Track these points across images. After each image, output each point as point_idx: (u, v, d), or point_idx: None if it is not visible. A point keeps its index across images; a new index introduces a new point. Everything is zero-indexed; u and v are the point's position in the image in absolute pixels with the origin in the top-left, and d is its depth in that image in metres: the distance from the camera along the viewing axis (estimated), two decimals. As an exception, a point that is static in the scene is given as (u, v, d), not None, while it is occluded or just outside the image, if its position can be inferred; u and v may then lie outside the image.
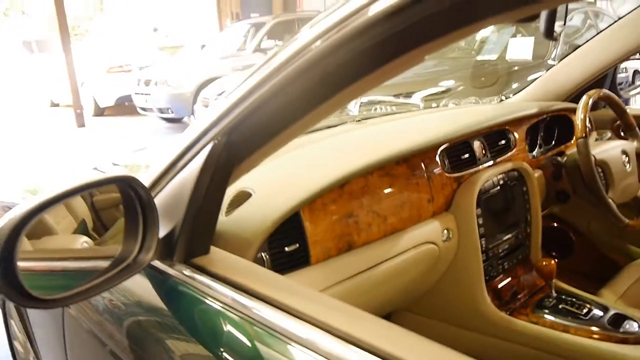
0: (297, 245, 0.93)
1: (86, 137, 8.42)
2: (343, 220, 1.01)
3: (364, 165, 1.03)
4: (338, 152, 1.17)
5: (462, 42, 6.67)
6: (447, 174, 1.22)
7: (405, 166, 1.15)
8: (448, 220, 1.20)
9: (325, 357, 0.53)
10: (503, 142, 1.41)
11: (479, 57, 6.11)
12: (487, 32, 6.60)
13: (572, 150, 1.49)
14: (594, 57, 1.67)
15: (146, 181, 0.76)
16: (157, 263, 0.77)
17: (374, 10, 0.52)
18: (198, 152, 0.73)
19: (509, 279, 1.34)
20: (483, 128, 1.34)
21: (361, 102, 5.70)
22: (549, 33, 1.21)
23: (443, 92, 5.03)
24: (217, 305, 0.67)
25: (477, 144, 1.32)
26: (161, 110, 7.98)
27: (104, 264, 0.71)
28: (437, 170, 1.20)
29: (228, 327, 0.67)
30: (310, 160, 1.12)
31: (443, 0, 0.48)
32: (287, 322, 0.59)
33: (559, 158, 1.51)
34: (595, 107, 1.69)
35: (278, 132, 0.70)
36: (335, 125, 1.47)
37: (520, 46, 5.37)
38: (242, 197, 0.95)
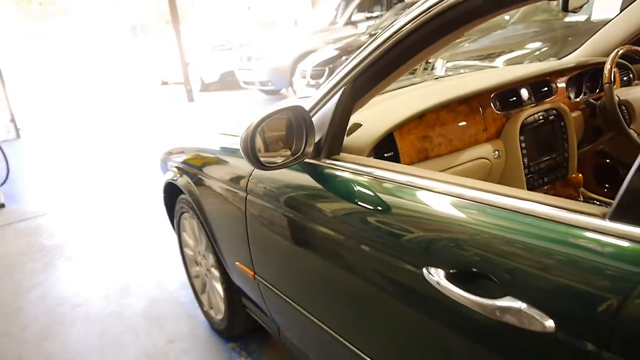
0: (392, 153, 1.49)
1: (197, 110, 9.40)
2: (421, 139, 1.54)
3: (436, 103, 1.55)
4: (419, 97, 1.70)
5: (553, 3, 6.74)
6: (497, 111, 1.71)
7: (465, 105, 1.65)
8: (498, 144, 1.69)
9: (424, 189, 1.01)
10: (545, 89, 1.86)
11: (567, 19, 6.19)
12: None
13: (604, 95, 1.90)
14: (634, 19, 2.04)
15: (307, 107, 1.33)
16: (310, 161, 1.34)
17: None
18: (335, 93, 1.29)
19: (548, 190, 1.81)
20: (528, 78, 1.80)
21: (446, 67, 6.05)
22: (565, 5, 1.63)
23: (527, 54, 5.24)
24: (350, 175, 1.23)
25: (523, 91, 1.78)
26: (262, 84, 8.74)
27: (287, 156, 1.30)
28: (489, 109, 1.69)
29: (357, 187, 1.21)
30: (400, 103, 1.66)
31: None
32: (394, 175, 1.11)
33: (593, 101, 1.93)
34: (636, 61, 2.07)
35: (380, 81, 1.25)
36: (420, 82, 1.99)
37: (607, 6, 5.42)
38: (357, 126, 1.50)
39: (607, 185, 2.25)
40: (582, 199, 1.76)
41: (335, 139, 1.31)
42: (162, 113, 9.38)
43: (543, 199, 0.81)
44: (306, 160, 1.34)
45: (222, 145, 1.96)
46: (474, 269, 0.84)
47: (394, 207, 1.05)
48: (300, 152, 1.30)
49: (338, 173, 1.25)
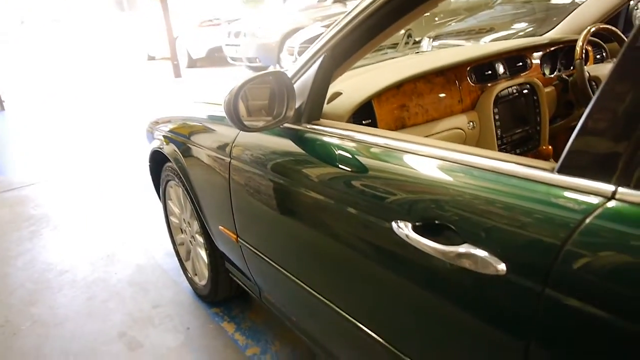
0: (370, 120, 1.55)
1: (184, 85, 9.36)
2: (399, 108, 1.60)
3: (413, 74, 1.61)
4: (398, 69, 1.76)
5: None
6: (472, 84, 1.77)
7: (442, 77, 1.71)
8: (473, 115, 1.76)
9: (398, 150, 1.09)
10: (520, 64, 1.92)
11: (553, 1, 6.25)
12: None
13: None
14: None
15: (289, 74, 1.39)
16: (290, 126, 1.40)
17: None
18: (316, 61, 1.35)
19: None
20: (504, 52, 1.87)
21: (432, 45, 6.07)
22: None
23: (512, 34, 5.30)
24: (329, 139, 1.29)
25: (498, 65, 1.85)
26: (249, 60, 8.73)
27: (269, 119, 1.36)
28: (465, 82, 1.76)
29: (337, 150, 1.26)
30: (379, 74, 1.72)
31: None
32: (373, 138, 1.17)
33: (566, 77, 2.01)
34: (609, 39, 2.14)
35: (358, 49, 1.30)
36: (401, 56, 2.05)
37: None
38: (336, 95, 1.56)
39: None
40: None
41: (315, 104, 1.37)
42: (148, 89, 9.32)
43: (503, 156, 0.88)
44: (287, 125, 1.40)
45: (208, 113, 2.01)
46: (437, 221, 0.91)
47: (370, 169, 1.11)
48: (282, 115, 1.36)
49: (318, 137, 1.31)
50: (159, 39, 11.89)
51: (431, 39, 5.70)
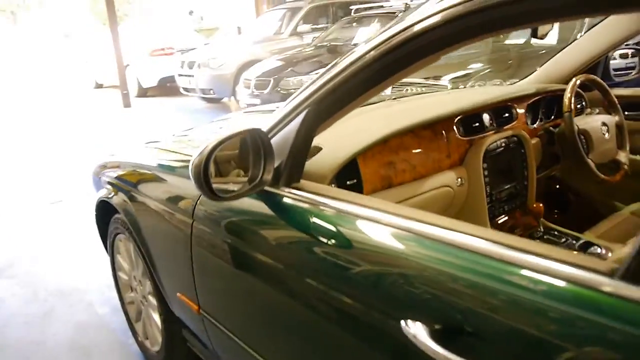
0: (355, 180, 1.38)
1: (134, 116, 9.00)
2: (385, 166, 1.44)
3: (400, 128, 1.46)
4: (381, 120, 1.60)
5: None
6: (461, 137, 1.64)
7: (430, 130, 1.57)
8: (461, 171, 1.62)
9: (387, 225, 0.92)
10: (507, 115, 1.81)
11: (507, 41, 6.38)
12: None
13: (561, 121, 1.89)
14: (586, 48, 2.05)
15: (264, 128, 1.20)
16: (267, 188, 1.21)
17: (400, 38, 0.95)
18: (298, 115, 1.17)
19: (508, 219, 1.76)
20: (491, 104, 1.75)
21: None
22: (535, 32, 1.61)
23: (471, 74, 5.35)
24: (311, 207, 1.11)
25: (485, 116, 1.73)
26: (203, 91, 8.50)
27: (241, 185, 1.17)
28: (453, 135, 1.62)
29: (317, 220, 1.10)
30: (362, 125, 1.56)
31: None
32: (354, 208, 1.02)
33: (552, 128, 1.91)
34: (588, 89, 2.07)
35: (346, 105, 1.14)
36: (378, 102, 1.90)
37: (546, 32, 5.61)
38: (317, 150, 1.38)
39: (556, 212, 2.24)
40: (541, 229, 1.72)
41: (295, 165, 1.19)
42: (95, 119, 8.90)
43: (540, 249, 0.72)
44: (265, 188, 1.21)
45: (164, 161, 1.80)
46: (454, 324, 0.74)
47: (357, 247, 0.96)
48: (258, 179, 1.17)
49: (298, 204, 1.13)
50: (108, 66, 11.47)
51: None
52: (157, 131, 7.25)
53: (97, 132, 7.63)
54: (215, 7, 18.22)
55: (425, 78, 5.53)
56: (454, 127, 1.63)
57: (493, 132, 1.73)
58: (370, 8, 7.79)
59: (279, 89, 6.31)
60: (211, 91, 8.34)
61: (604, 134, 1.86)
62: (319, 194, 1.12)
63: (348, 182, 1.36)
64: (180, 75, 9.05)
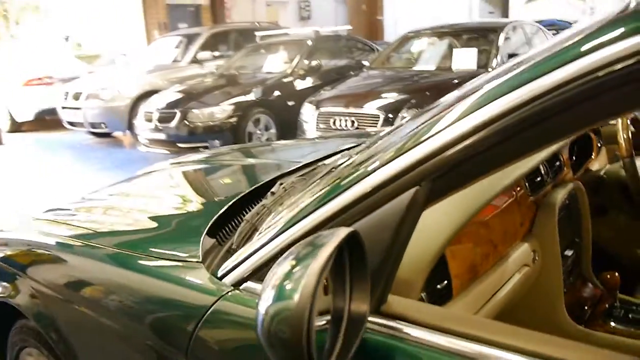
0: (445, 282, 0.92)
1: (8, 156, 7.79)
2: (471, 251, 1.01)
3: (489, 197, 1.02)
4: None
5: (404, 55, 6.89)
6: (530, 197, 1.24)
7: (504, 193, 1.15)
8: (534, 242, 1.22)
9: None
10: (557, 163, 1.46)
11: (415, 68, 6.32)
12: (423, 44, 6.87)
13: (609, 166, 1.57)
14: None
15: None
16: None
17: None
18: (396, 196, 0.69)
19: (574, 293, 1.39)
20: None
21: (319, 113, 5.71)
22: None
23: (397, 101, 5.19)
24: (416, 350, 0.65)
25: (542, 168, 1.36)
26: (93, 125, 7.57)
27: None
28: (523, 194, 1.22)
29: None
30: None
31: None
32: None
33: (600, 173, 1.58)
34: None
35: (473, 179, 0.68)
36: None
37: (464, 56, 5.61)
38: None
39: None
40: (618, 304, 1.36)
41: (390, 277, 0.71)
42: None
43: None
44: None
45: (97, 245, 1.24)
46: None
47: None
48: (345, 314, 0.67)
49: (405, 346, 0.66)
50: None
51: (314, 106, 5.31)
52: (39, 174, 6.27)
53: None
54: (94, 33, 16.95)
55: (345, 106, 5.25)
56: (526, 183, 1.23)
57: (550, 185, 1.36)
58: (276, 35, 7.46)
59: (186, 122, 5.67)
60: (102, 125, 7.43)
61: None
62: (427, 325, 0.65)
63: (439, 286, 0.90)
64: (64, 107, 8.01)
